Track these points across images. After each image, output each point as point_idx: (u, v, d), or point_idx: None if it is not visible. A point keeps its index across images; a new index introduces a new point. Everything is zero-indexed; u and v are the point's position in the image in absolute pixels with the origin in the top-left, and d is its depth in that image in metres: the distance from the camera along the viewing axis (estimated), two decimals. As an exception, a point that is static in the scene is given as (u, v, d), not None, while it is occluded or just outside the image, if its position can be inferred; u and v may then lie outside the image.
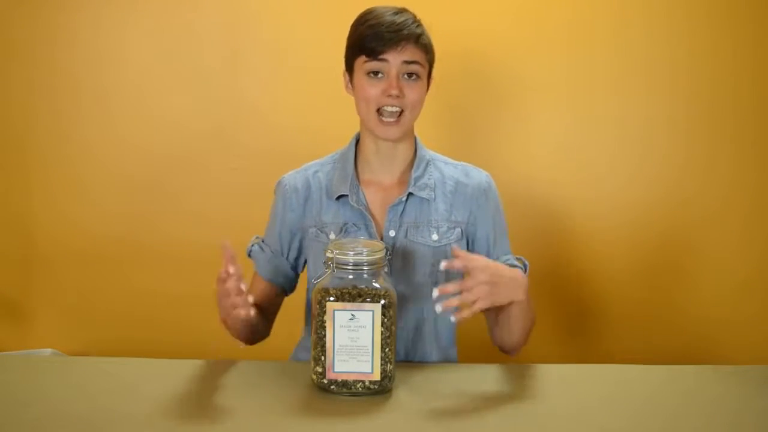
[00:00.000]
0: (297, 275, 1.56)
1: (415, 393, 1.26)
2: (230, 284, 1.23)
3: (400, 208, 1.46)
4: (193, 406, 1.20)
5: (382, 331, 1.21)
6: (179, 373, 1.33)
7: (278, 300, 1.56)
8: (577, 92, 1.98)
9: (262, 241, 1.54)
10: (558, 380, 1.33)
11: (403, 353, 1.46)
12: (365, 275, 1.22)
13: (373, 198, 1.48)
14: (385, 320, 1.21)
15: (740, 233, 2.01)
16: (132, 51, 1.99)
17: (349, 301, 1.20)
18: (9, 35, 1.98)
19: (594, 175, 2.01)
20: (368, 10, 1.43)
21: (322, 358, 1.22)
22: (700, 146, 1.99)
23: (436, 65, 1.49)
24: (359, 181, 1.49)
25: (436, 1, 1.92)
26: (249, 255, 1.54)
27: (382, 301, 1.20)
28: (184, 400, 1.22)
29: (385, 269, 1.26)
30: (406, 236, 1.45)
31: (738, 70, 1.96)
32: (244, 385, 1.28)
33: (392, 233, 1.45)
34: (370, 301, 1.20)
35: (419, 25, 1.42)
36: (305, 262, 1.54)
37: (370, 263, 1.22)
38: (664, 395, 1.26)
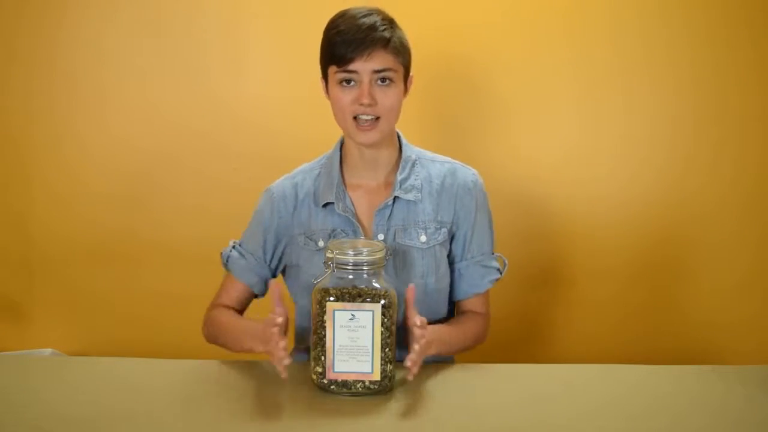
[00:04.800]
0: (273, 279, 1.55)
1: (415, 393, 1.25)
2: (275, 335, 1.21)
3: (387, 211, 1.45)
4: (193, 406, 1.20)
5: (382, 331, 1.20)
6: (179, 373, 1.33)
7: (250, 302, 1.55)
8: (579, 90, 1.97)
9: (240, 246, 1.53)
10: (559, 380, 1.33)
11: (396, 353, 1.46)
12: (365, 275, 1.22)
13: (360, 202, 1.47)
14: (385, 320, 1.21)
15: (740, 232, 2.00)
16: (132, 51, 1.99)
17: (349, 301, 1.20)
18: (10, 36, 1.98)
19: (595, 175, 2.00)
20: (340, 13, 1.40)
21: (322, 358, 1.22)
22: (705, 144, 1.98)
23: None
24: (345, 186, 1.48)
25: (440, 2, 1.93)
26: (226, 261, 1.53)
27: (382, 301, 1.20)
28: (184, 401, 1.22)
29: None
30: (394, 239, 1.45)
31: (741, 70, 1.95)
32: (244, 385, 1.28)
33: (381, 237, 1.45)
34: (370, 301, 1.20)
35: (388, 27, 1.37)
36: (284, 268, 1.54)
37: (369, 263, 1.21)
38: (666, 396, 1.25)
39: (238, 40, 1.99)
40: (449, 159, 1.53)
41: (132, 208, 2.03)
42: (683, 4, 1.93)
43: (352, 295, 1.20)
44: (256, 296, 1.55)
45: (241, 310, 1.53)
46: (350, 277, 1.22)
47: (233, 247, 1.54)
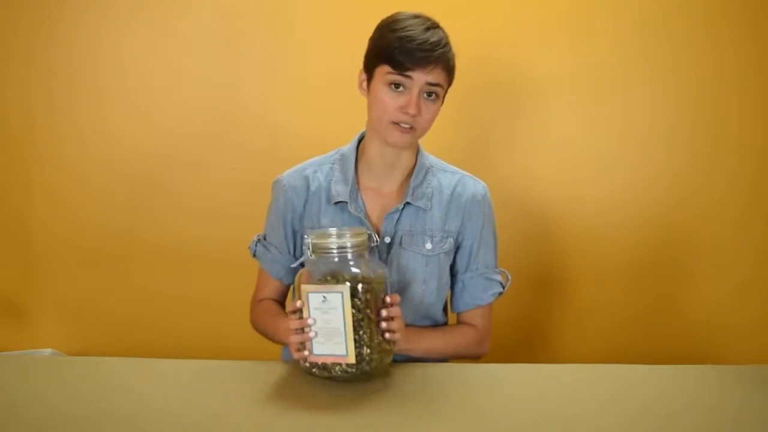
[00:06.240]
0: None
1: (415, 393, 1.25)
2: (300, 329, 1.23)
3: (396, 216, 1.46)
4: (193, 405, 1.19)
5: (353, 314, 1.19)
6: (179, 373, 1.32)
7: (288, 291, 1.57)
8: (580, 92, 1.97)
9: (265, 239, 1.54)
10: (559, 380, 1.32)
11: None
12: (350, 260, 1.22)
13: (372, 204, 1.48)
14: (358, 302, 1.20)
15: (740, 232, 2.00)
16: (132, 51, 2.00)
17: (320, 283, 1.20)
18: (8, 35, 1.99)
19: (594, 176, 2.00)
20: (397, 18, 1.38)
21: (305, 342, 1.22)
22: (704, 144, 1.97)
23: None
24: (359, 187, 1.48)
25: (437, 5, 1.93)
26: (254, 256, 1.55)
27: (348, 283, 1.19)
28: (184, 400, 1.21)
29: (368, 253, 1.26)
30: (401, 243, 1.46)
31: (740, 70, 1.94)
32: (244, 384, 1.28)
33: (387, 240, 1.46)
34: (337, 283, 1.20)
35: (449, 47, 1.38)
36: None
37: (349, 246, 1.22)
38: (664, 395, 1.25)
39: (238, 41, 1.99)
40: (460, 170, 1.54)
41: (132, 208, 2.03)
42: (683, 3, 1.93)
43: (327, 278, 1.21)
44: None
45: (282, 300, 1.56)
46: (335, 260, 1.22)
47: (257, 241, 1.55)
